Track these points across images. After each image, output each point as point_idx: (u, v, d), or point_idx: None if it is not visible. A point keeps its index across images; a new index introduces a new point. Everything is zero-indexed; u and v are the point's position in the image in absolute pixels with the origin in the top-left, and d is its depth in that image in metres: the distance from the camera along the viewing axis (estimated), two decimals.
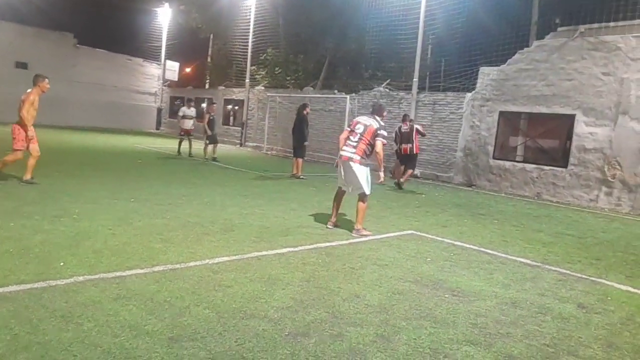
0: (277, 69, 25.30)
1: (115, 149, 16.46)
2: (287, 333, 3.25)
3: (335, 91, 19.85)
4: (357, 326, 3.48)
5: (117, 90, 29.07)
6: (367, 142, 6.56)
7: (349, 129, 6.83)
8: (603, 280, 5.34)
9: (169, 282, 4.04)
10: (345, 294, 4.16)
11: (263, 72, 26.26)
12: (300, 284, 4.32)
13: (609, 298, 4.72)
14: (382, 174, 6.79)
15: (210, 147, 15.25)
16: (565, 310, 4.25)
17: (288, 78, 24.74)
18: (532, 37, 14.32)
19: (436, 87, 18.79)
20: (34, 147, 7.98)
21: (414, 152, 12.53)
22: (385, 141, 6.66)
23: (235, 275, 4.37)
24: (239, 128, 24.53)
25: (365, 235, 6.57)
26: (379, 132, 6.59)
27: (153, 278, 4.11)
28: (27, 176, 7.98)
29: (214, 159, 14.95)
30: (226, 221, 6.60)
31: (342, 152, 6.67)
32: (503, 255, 6.11)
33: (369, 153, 6.64)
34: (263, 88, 24.30)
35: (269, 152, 21.20)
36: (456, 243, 6.56)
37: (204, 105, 21.78)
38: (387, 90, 17.70)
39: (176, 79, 30.91)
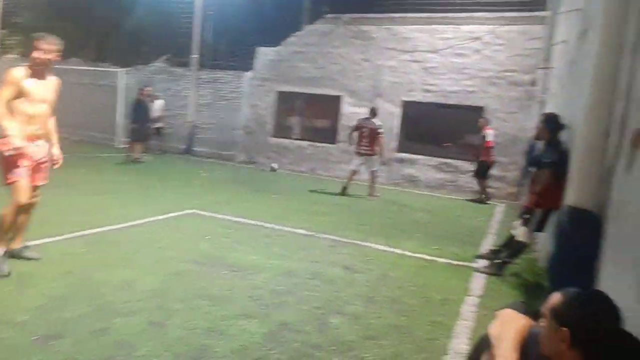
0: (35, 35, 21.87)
1: None
2: (37, 337, 2.79)
3: (107, 64, 18.08)
4: (126, 316, 3.18)
5: None
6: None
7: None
8: (366, 243, 5.97)
9: None
10: (115, 282, 3.79)
11: (18, 38, 22.43)
12: (58, 277, 3.77)
13: (370, 258, 5.30)
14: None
15: None
16: (333, 273, 4.62)
17: None
18: (304, 21, 15.15)
19: (217, 65, 18.58)
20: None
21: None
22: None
23: None
24: None
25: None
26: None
27: None
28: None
29: None
30: None
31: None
32: (280, 227, 6.37)
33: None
34: (17, 56, 20.76)
35: None
36: (237, 219, 6.59)
37: None
38: (166, 65, 16.86)
39: None
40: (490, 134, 10.54)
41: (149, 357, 2.69)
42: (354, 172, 10.03)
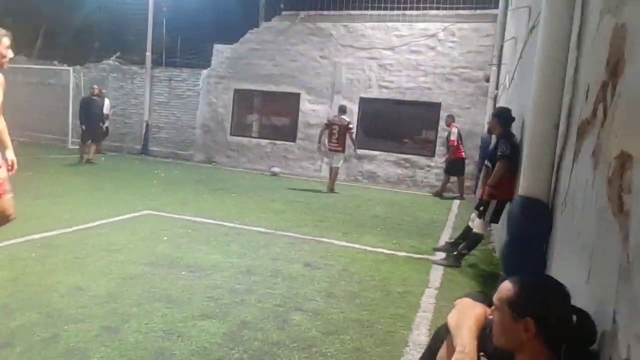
0: None
1: None
2: None
3: (56, 62, 17.40)
4: (77, 322, 3.05)
5: None
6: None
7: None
8: (325, 239, 5.97)
9: None
10: (65, 288, 3.64)
11: None
12: (5, 284, 3.59)
13: (329, 254, 5.30)
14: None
15: None
16: (293, 270, 4.59)
17: None
18: (261, 18, 15.02)
19: (173, 63, 18.19)
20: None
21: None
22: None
23: None
24: None
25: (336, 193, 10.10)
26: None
27: None
28: None
29: None
30: None
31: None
32: (240, 226, 6.29)
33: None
34: None
35: None
36: (195, 219, 6.47)
37: None
38: (118, 63, 16.38)
39: None
40: (454, 132, 10.69)
41: None
42: (332, 168, 10.47)
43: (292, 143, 13.59)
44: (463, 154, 10.80)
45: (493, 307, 1.59)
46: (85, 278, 3.89)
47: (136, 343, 2.86)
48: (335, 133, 10.11)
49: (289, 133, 13.79)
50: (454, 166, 10.87)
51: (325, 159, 10.69)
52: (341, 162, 10.51)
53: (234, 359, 2.78)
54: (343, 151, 10.25)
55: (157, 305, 3.46)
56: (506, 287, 1.51)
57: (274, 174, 12.62)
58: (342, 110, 10.41)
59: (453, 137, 10.67)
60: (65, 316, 3.15)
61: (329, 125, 10.21)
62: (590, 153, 1.89)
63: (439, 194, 10.95)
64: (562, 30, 2.62)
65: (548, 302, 1.43)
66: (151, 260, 4.52)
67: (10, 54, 3.43)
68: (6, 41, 3.38)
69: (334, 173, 10.38)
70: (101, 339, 2.86)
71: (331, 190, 10.26)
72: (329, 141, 10.22)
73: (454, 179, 11.08)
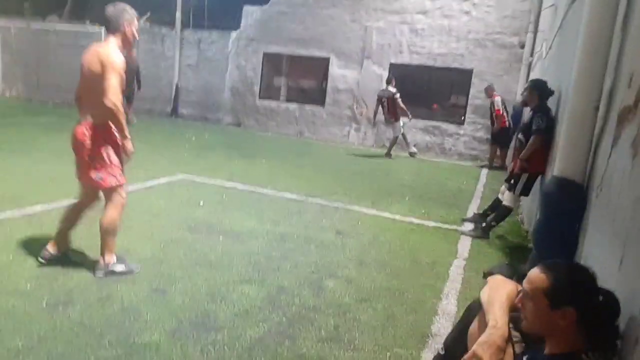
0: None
1: None
2: (45, 305, 2.88)
3: (88, 22, 17.54)
4: (128, 284, 3.28)
5: None
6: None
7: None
8: (355, 208, 6.10)
9: None
10: (115, 250, 3.86)
11: None
12: None
13: (359, 222, 5.44)
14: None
15: None
16: (325, 238, 4.75)
17: (25, 5, 20.80)
18: None
19: (202, 24, 18.12)
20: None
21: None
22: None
23: None
24: None
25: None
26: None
27: None
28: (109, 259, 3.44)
29: None
30: None
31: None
32: (272, 192, 6.46)
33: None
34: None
35: (6, 94, 17.87)
36: (227, 184, 6.66)
37: None
38: (147, 25, 16.42)
39: None
40: (497, 101, 10.36)
41: (155, 322, 2.81)
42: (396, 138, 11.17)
43: (320, 108, 13.60)
44: (507, 122, 10.38)
45: (521, 294, 1.64)
46: (130, 241, 4.11)
47: (183, 304, 3.07)
48: (386, 105, 10.71)
49: (318, 98, 13.77)
50: (500, 136, 10.50)
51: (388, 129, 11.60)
52: (401, 130, 10.92)
53: (274, 322, 2.97)
54: (396, 120, 10.76)
55: (199, 269, 3.67)
56: (539, 277, 1.55)
57: (413, 155, 11.32)
58: (388, 81, 10.89)
59: (498, 107, 10.34)
60: (115, 277, 3.37)
61: (379, 99, 10.86)
62: (630, 142, 1.93)
63: (488, 166, 10.73)
64: (608, 11, 2.60)
65: (584, 290, 1.49)
66: (189, 225, 4.73)
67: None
68: (136, 22, 3.38)
69: (392, 140, 11.11)
70: (151, 300, 3.09)
71: (387, 154, 11.03)
72: (382, 113, 10.91)
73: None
